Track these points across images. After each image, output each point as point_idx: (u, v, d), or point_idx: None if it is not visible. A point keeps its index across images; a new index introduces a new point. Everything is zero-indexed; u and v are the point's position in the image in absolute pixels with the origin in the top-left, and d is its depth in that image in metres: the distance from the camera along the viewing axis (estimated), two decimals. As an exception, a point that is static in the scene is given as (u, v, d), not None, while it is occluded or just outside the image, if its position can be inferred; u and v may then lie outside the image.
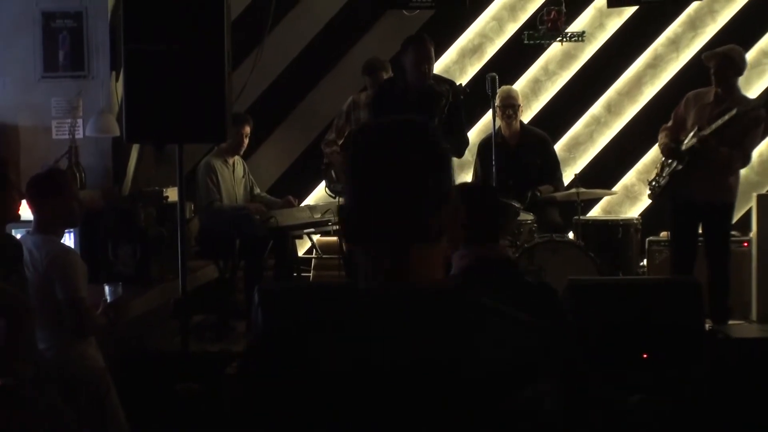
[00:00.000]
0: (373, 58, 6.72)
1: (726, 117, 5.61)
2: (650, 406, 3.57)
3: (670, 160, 5.93)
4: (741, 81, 6.22)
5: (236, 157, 6.63)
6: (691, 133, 5.80)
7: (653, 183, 6.08)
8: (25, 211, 3.94)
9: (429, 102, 5.44)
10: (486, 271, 3.09)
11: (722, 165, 5.73)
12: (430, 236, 1.54)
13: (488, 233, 3.16)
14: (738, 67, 5.86)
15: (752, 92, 7.12)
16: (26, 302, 3.24)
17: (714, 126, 5.65)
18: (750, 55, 7.43)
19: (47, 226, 3.92)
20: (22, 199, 3.63)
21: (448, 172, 1.60)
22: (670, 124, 6.07)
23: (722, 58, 5.85)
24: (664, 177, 5.95)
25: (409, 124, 1.62)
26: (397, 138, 1.58)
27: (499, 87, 6.13)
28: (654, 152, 6.80)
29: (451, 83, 5.79)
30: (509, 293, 3.18)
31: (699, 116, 5.84)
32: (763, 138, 6.14)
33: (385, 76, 6.44)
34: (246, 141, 6.64)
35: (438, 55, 7.48)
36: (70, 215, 4.03)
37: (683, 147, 5.81)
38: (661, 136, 6.08)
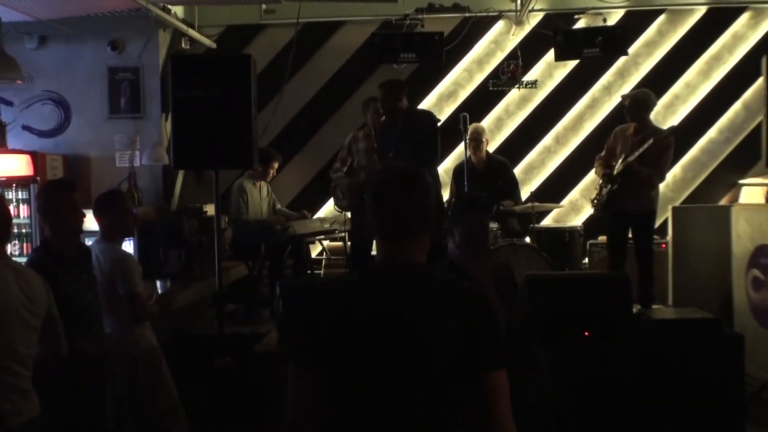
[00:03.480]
0: (369, 97, 6.74)
1: (645, 146, 5.69)
2: None
3: (606, 183, 5.96)
4: (658, 116, 6.27)
5: (262, 182, 6.65)
6: (620, 160, 5.85)
7: (595, 200, 6.11)
8: (90, 223, 3.94)
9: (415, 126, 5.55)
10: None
11: (644, 182, 5.77)
12: (414, 235, 1.93)
13: None
14: (645, 105, 5.90)
15: (667, 125, 7.16)
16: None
17: (636, 153, 5.72)
18: (665, 98, 7.50)
19: (109, 235, 3.92)
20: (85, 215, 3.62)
21: (429, 198, 1.96)
22: (603, 153, 6.10)
23: (632, 99, 5.95)
24: (603, 195, 5.98)
25: (407, 169, 2.04)
26: (398, 178, 1.99)
27: (470, 124, 6.11)
28: (592, 174, 6.83)
29: (429, 113, 5.91)
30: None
31: (624, 145, 5.89)
32: (673, 159, 6.17)
33: (377, 107, 6.44)
34: (272, 172, 6.66)
35: (420, 98, 7.56)
36: (126, 226, 4.03)
37: (615, 172, 5.85)
38: (597, 164, 6.12)
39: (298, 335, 1.88)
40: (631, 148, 5.79)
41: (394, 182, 1.97)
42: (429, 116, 5.83)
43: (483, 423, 1.75)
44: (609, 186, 5.89)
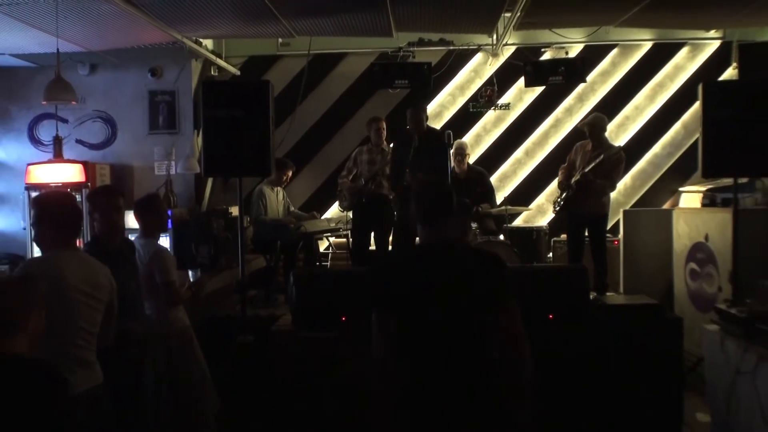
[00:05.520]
0: (372, 117, 6.73)
1: (597, 160, 5.73)
2: None
3: (563, 191, 5.99)
4: (611, 134, 6.27)
5: (278, 188, 6.64)
6: (578, 171, 5.88)
7: (555, 204, 6.14)
8: (132, 222, 3.94)
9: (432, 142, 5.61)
10: None
11: (598, 191, 5.79)
12: (438, 221, 2.45)
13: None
14: (600, 127, 5.94)
15: (619, 142, 7.18)
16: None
17: (590, 166, 5.74)
18: (617, 119, 7.53)
19: (148, 232, 3.94)
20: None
21: (452, 199, 2.50)
22: (565, 164, 6.14)
23: (589, 125, 5.99)
24: (562, 199, 6.00)
25: (438, 180, 2.63)
26: (434, 185, 2.55)
27: (454, 140, 6.13)
28: (555, 183, 6.85)
29: (441, 133, 5.91)
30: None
31: (583, 159, 5.93)
32: (624, 170, 6.20)
33: (378, 126, 6.45)
34: (286, 179, 6.65)
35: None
36: (162, 224, 4.05)
37: (572, 181, 5.87)
38: (560, 173, 6.15)
39: (380, 291, 2.38)
40: (588, 161, 5.82)
41: (427, 187, 2.54)
42: (442, 135, 5.81)
43: (507, 335, 2.31)
44: (565, 194, 5.92)
